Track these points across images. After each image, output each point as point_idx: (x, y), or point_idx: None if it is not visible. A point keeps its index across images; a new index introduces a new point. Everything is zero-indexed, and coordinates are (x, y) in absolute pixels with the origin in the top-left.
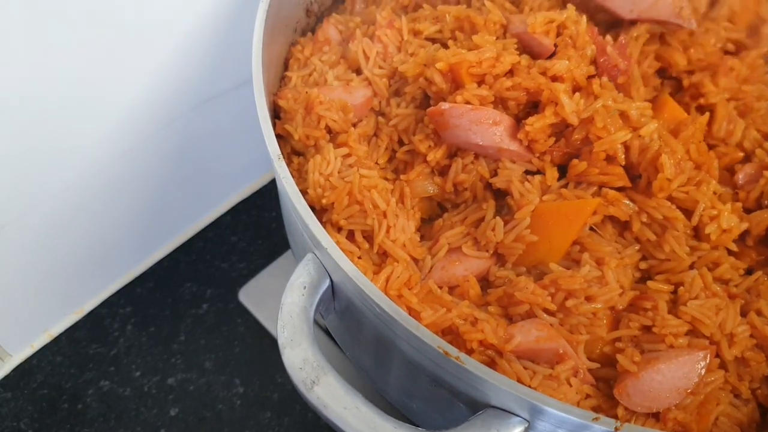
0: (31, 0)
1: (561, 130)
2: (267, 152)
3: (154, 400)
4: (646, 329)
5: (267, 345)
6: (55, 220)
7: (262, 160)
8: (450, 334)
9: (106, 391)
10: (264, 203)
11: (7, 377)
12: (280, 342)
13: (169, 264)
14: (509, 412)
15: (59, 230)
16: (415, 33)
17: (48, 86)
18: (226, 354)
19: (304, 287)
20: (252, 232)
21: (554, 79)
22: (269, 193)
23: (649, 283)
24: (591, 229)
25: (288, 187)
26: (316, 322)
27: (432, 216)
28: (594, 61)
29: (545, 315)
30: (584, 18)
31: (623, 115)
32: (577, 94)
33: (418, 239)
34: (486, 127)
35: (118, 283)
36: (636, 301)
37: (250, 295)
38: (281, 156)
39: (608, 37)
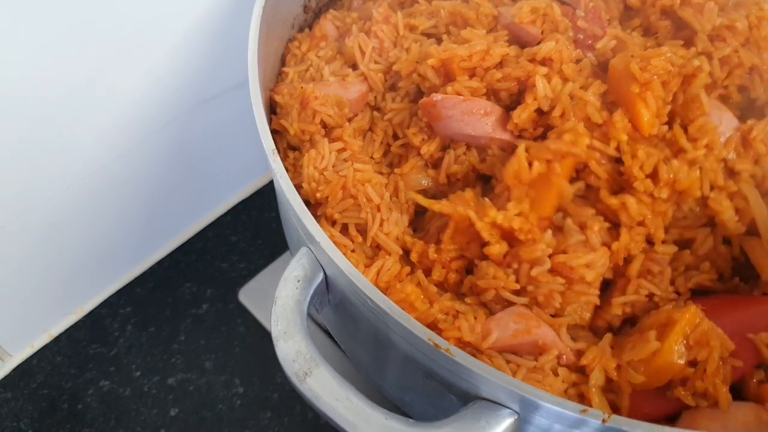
0: (30, 0)
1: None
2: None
3: (154, 400)
4: None
5: (267, 345)
6: (55, 220)
7: (262, 160)
8: (433, 329)
9: (106, 391)
10: (264, 203)
11: (7, 377)
12: (273, 335)
13: (169, 264)
14: (499, 404)
15: (59, 230)
16: (411, 28)
17: (47, 86)
18: (226, 354)
19: (298, 281)
20: (252, 232)
21: (543, 62)
22: (269, 193)
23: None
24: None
25: (282, 181)
26: (311, 317)
27: (426, 209)
28: (575, 41)
29: (513, 296)
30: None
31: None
32: (556, 77)
33: (411, 232)
34: (478, 117)
35: (118, 283)
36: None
37: (250, 295)
38: (275, 150)
39: (578, 11)
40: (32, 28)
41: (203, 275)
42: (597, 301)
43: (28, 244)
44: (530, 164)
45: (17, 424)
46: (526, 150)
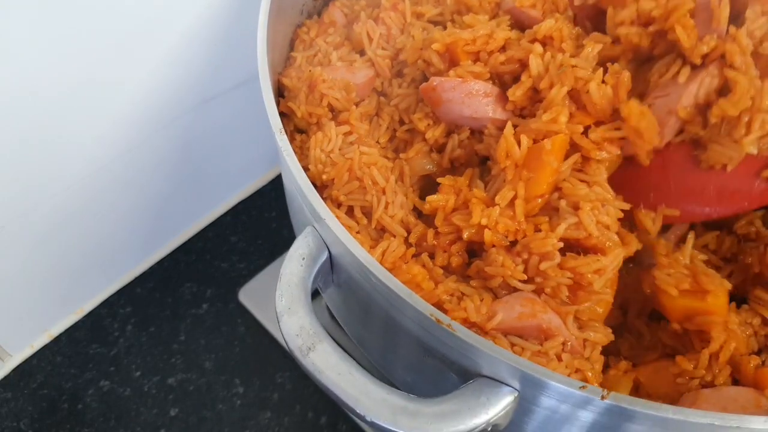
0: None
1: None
2: (269, 150)
3: (154, 400)
4: None
5: (267, 345)
6: (55, 220)
7: (263, 160)
8: (439, 310)
9: (106, 391)
10: (264, 203)
11: (7, 377)
12: (277, 310)
13: (169, 264)
14: (499, 381)
15: (59, 230)
16: (418, 15)
17: (47, 86)
18: (226, 354)
19: (303, 258)
20: (252, 232)
21: (544, 42)
22: (269, 193)
23: None
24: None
25: (288, 158)
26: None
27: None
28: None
29: (521, 284)
30: None
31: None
32: (549, 53)
33: (416, 216)
34: (478, 99)
35: (118, 283)
36: None
37: (250, 295)
38: (283, 129)
39: None
40: (32, 27)
41: (203, 275)
42: (610, 300)
43: (28, 244)
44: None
45: (17, 424)
46: (515, 127)
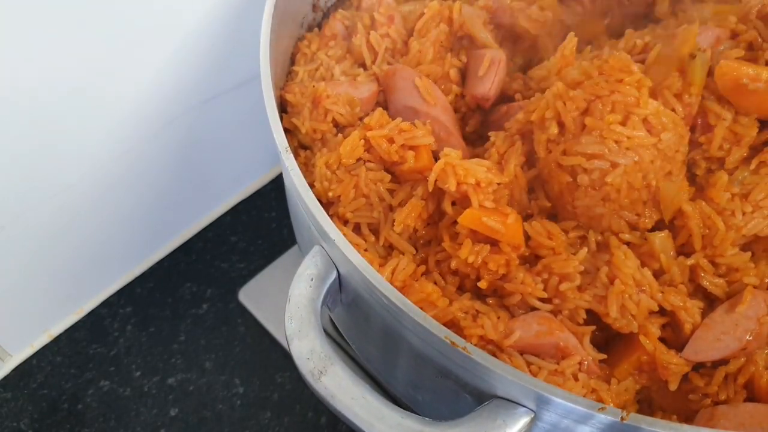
0: None
1: None
2: (269, 150)
3: (154, 400)
4: None
5: (267, 345)
6: (55, 220)
7: (263, 160)
8: (452, 327)
9: (106, 391)
10: (264, 203)
11: (7, 377)
12: (287, 333)
13: (169, 264)
14: (515, 402)
15: (59, 230)
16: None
17: (48, 86)
18: (226, 354)
19: (312, 279)
20: (252, 232)
21: None
22: (269, 193)
23: None
24: None
25: (296, 178)
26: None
27: None
28: None
29: (539, 303)
30: None
31: None
32: None
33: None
34: None
35: (118, 283)
36: None
37: (250, 295)
38: (288, 148)
39: None
40: (33, 27)
41: (203, 275)
42: None
43: (28, 244)
44: None
45: (17, 424)
46: None
